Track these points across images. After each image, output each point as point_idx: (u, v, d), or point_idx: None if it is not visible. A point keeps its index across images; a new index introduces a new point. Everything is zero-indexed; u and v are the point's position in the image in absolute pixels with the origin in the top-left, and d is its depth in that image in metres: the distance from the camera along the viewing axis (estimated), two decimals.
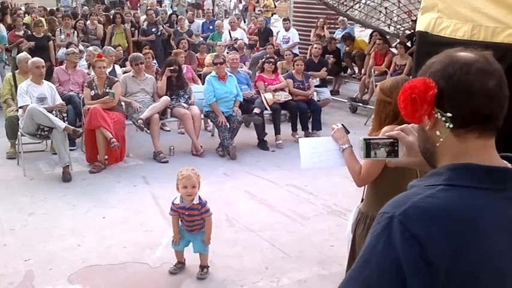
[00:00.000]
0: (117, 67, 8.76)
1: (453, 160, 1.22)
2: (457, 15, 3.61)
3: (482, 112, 1.18)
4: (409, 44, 10.04)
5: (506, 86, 1.22)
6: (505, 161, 1.26)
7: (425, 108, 1.21)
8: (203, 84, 8.14)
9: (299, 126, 8.13)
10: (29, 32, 10.66)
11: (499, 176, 1.19)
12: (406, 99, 1.24)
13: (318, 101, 8.69)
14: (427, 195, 1.15)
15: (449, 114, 1.19)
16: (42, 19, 12.03)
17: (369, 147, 1.62)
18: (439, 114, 1.20)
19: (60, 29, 11.41)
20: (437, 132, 1.23)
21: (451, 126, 1.20)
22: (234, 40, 11.48)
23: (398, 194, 1.22)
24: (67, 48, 9.12)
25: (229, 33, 12.16)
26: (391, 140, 1.56)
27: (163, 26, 12.72)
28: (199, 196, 4.10)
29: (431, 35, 3.81)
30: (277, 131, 7.86)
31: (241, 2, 24.35)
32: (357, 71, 11.42)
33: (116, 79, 7.43)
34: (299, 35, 12.18)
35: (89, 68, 8.74)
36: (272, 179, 6.45)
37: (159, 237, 4.79)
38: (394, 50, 10.33)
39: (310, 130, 8.16)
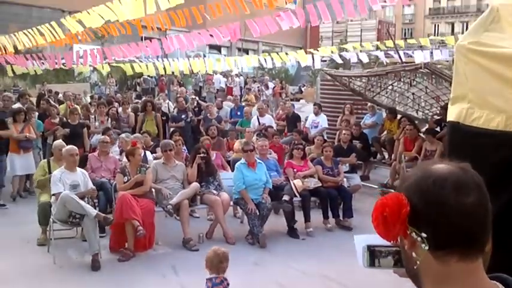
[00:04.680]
0: (148, 153, 8.93)
1: (435, 285, 1.10)
2: (489, 105, 3.58)
3: (461, 232, 1.06)
4: (438, 129, 10.04)
5: (488, 200, 1.10)
6: (496, 283, 1.13)
7: (398, 228, 1.11)
8: (232, 170, 8.20)
9: (330, 214, 8.01)
10: (65, 119, 11.03)
11: None
12: (377, 217, 1.15)
13: (348, 187, 8.62)
14: None
15: (424, 235, 1.08)
16: (78, 107, 12.46)
17: (372, 255, 1.52)
18: (414, 233, 1.10)
19: (95, 116, 11.80)
20: (413, 254, 1.12)
21: (427, 247, 1.08)
22: (263, 126, 11.64)
23: None
24: (104, 134, 9.36)
25: (258, 119, 12.37)
26: (397, 248, 1.47)
27: (192, 113, 13.06)
28: None
29: (463, 126, 3.76)
30: (307, 218, 7.75)
31: (267, 88, 24.94)
32: (386, 156, 11.38)
33: (148, 165, 7.54)
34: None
35: (120, 154, 8.92)
36: (304, 269, 6.27)
37: None
38: (423, 135, 10.31)
39: (341, 218, 8.03)
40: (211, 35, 11.24)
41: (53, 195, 6.70)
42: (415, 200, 1.10)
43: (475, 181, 1.10)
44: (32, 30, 12.41)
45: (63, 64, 15.50)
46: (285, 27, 9.30)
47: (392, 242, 1.21)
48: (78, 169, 7.14)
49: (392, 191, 7.32)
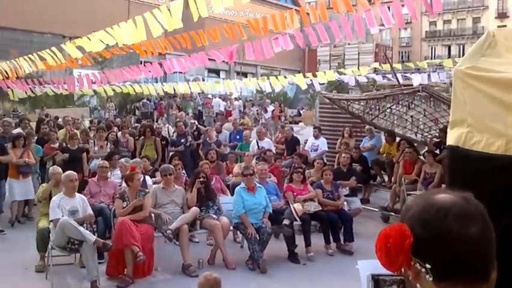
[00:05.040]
0: (147, 178, 8.90)
1: None
2: (489, 130, 3.58)
3: (465, 263, 1.06)
4: (437, 151, 10.05)
5: (492, 230, 1.11)
6: None
7: (402, 259, 1.11)
8: (232, 194, 8.18)
9: (331, 238, 7.97)
10: (64, 144, 11.02)
11: None
12: (381, 248, 1.14)
13: (349, 210, 8.59)
14: None
15: (428, 266, 1.08)
16: (77, 132, 12.44)
17: (377, 284, 1.50)
18: (417, 264, 1.10)
19: (94, 141, 11.79)
20: (418, 285, 1.11)
21: (431, 279, 1.08)
22: (262, 150, 11.64)
23: None
24: (109, 158, 9.35)
25: (257, 142, 12.37)
26: (402, 277, 1.46)
27: (191, 137, 13.07)
28: None
29: (463, 150, 3.76)
30: (307, 243, 7.69)
31: (266, 112, 25.03)
32: (386, 179, 11.36)
33: (147, 190, 7.52)
34: None
35: (122, 178, 8.87)
36: None
37: None
38: (422, 158, 10.31)
39: (342, 242, 7.98)
40: (211, 59, 11.32)
41: (51, 221, 6.66)
42: (418, 231, 1.10)
43: (478, 211, 1.10)
44: (33, 55, 12.50)
45: (65, 89, 15.59)
46: (278, 50, 9.35)
47: (396, 272, 1.20)
48: (77, 195, 7.12)
49: (393, 214, 7.29)
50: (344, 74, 12.73)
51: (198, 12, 7.60)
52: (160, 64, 12.70)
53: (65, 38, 23.92)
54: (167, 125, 15.59)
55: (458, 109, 3.69)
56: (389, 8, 8.57)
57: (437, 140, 10.74)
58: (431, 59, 54.64)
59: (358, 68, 15.94)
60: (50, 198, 7.19)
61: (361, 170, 10.77)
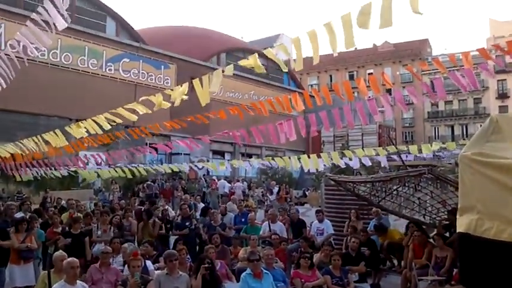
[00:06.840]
0: (149, 263, 8.68)
1: None
2: (499, 217, 3.53)
3: None
4: (447, 234, 9.85)
5: None
6: None
7: None
8: (238, 280, 7.96)
9: None
10: (67, 228, 10.89)
11: None
12: None
13: None
14: None
15: None
16: (80, 215, 12.33)
17: None
18: None
19: (98, 225, 11.64)
20: None
21: None
22: (273, 233, 11.42)
23: None
24: (110, 243, 9.21)
25: (269, 225, 12.16)
26: None
27: (196, 220, 12.91)
28: None
29: (474, 237, 3.68)
30: None
31: (272, 193, 24.88)
32: (396, 263, 11.06)
33: (150, 278, 7.32)
34: (332, 225, 12.15)
35: (124, 265, 8.68)
36: None
37: None
38: (432, 240, 10.08)
39: None
40: (219, 141, 11.37)
41: None
42: None
43: None
44: (37, 137, 12.61)
45: (73, 171, 15.67)
46: (282, 140, 9.37)
47: None
48: (79, 282, 6.96)
49: None
50: (350, 159, 12.74)
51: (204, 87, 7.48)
52: (167, 145, 12.82)
53: (71, 120, 24.26)
54: (167, 207, 15.45)
55: (467, 195, 3.64)
56: (390, 93, 8.68)
57: (447, 222, 10.55)
58: (435, 138, 55.23)
59: (363, 149, 16.02)
60: (50, 285, 7.01)
61: (370, 254, 10.52)
